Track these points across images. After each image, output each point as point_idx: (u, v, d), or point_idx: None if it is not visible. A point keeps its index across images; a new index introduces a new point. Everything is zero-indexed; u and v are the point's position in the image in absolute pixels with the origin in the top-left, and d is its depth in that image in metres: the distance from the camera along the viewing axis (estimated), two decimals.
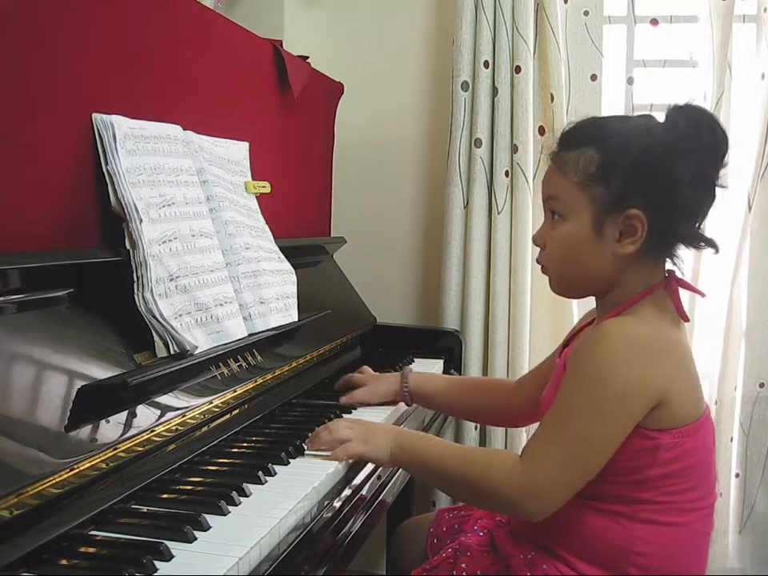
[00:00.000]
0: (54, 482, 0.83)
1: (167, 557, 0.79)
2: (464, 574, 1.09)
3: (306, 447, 1.14)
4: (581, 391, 0.98)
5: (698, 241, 1.04)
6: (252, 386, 1.29)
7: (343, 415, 1.33)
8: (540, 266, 1.12)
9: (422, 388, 1.43)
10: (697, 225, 1.04)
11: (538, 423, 1.05)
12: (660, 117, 1.04)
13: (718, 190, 1.02)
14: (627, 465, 0.99)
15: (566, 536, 1.05)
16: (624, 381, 0.95)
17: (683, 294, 1.05)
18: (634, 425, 0.97)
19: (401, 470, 1.28)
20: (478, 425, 2.05)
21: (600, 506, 1.02)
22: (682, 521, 1.02)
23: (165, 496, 0.96)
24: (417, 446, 1.11)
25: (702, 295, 1.15)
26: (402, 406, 1.45)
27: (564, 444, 0.97)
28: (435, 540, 1.29)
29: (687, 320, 1.05)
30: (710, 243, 1.04)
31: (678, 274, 1.06)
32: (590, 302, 1.16)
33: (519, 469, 0.99)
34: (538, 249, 1.11)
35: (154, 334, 1.09)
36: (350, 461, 1.12)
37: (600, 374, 0.96)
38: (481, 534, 1.18)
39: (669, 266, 1.07)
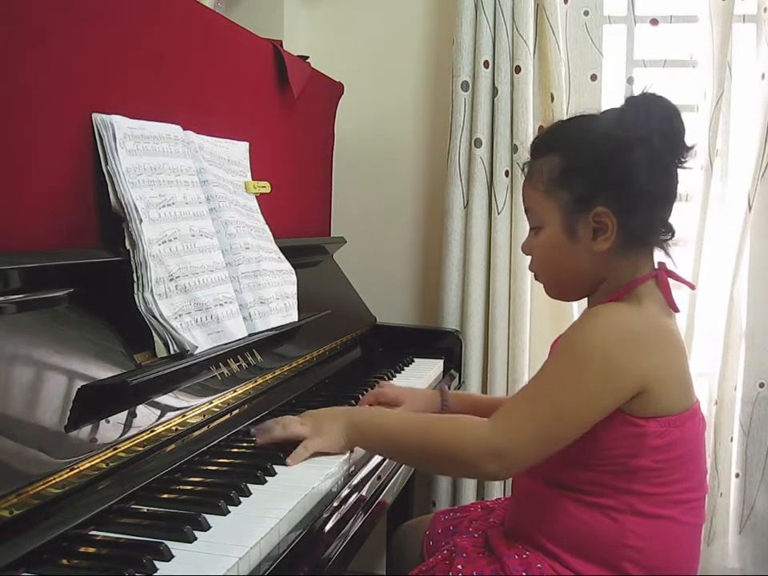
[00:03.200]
0: (53, 482, 0.83)
1: (167, 557, 0.79)
2: (460, 574, 1.09)
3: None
4: (563, 363, 1.00)
5: (665, 227, 1.05)
6: (252, 385, 1.29)
7: None
8: (534, 275, 1.14)
9: (463, 409, 1.33)
10: (666, 211, 1.05)
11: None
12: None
13: (682, 174, 1.03)
14: (615, 452, 1.00)
15: (559, 534, 1.05)
16: (608, 360, 0.96)
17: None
18: (614, 406, 0.97)
19: (400, 470, 1.28)
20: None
21: (591, 500, 1.02)
22: (673, 513, 1.02)
23: (165, 496, 0.96)
24: (373, 421, 1.11)
25: (692, 287, 1.15)
26: None
27: (537, 409, 0.98)
28: (431, 542, 1.29)
29: (677, 311, 1.06)
30: (669, 228, 1.05)
31: (671, 266, 1.07)
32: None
33: (487, 428, 1.00)
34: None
35: (154, 334, 1.09)
36: (350, 462, 1.12)
37: (584, 351, 0.98)
38: (476, 535, 1.18)
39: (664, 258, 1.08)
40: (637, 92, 1.04)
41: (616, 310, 1.02)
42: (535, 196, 1.07)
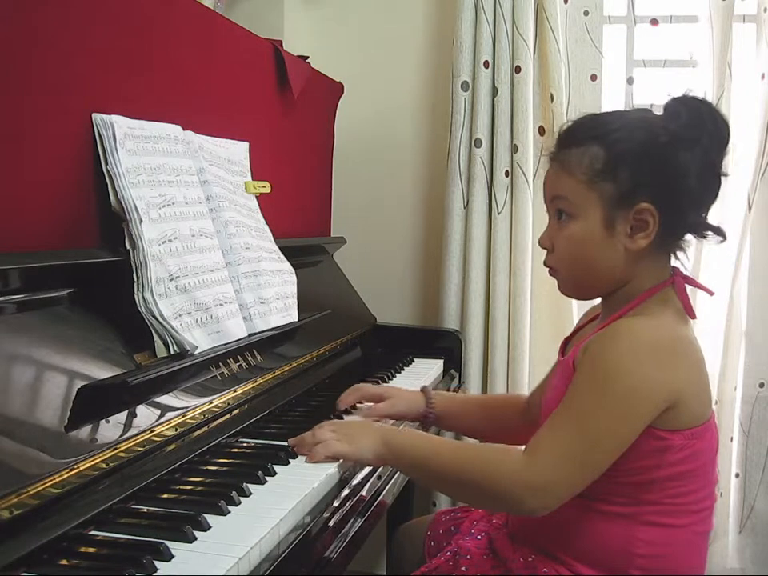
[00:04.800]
0: (53, 481, 0.83)
1: (167, 557, 0.79)
2: None
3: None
4: (592, 389, 0.96)
5: (706, 230, 1.03)
6: (252, 385, 1.29)
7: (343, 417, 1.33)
8: (548, 269, 1.09)
9: (448, 409, 1.35)
10: (704, 214, 1.03)
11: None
12: (657, 112, 1.04)
13: (722, 180, 1.02)
14: (636, 465, 0.98)
15: (566, 539, 1.04)
16: (637, 381, 0.94)
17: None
18: (645, 425, 0.95)
19: None
20: None
21: (604, 507, 1.01)
22: (685, 522, 1.01)
23: (165, 496, 0.96)
24: (406, 444, 1.08)
25: (711, 293, 1.11)
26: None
27: (572, 440, 0.95)
28: (432, 542, 1.28)
29: (694, 317, 1.04)
30: (718, 231, 1.03)
31: (683, 271, 1.06)
32: (589, 302, 1.16)
33: (523, 463, 0.97)
34: (544, 251, 1.09)
35: (154, 334, 1.09)
36: (349, 463, 1.11)
37: (613, 373, 0.95)
38: (479, 537, 1.17)
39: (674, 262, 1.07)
40: (680, 94, 1.02)
41: (639, 326, 0.99)
42: (573, 185, 1.02)
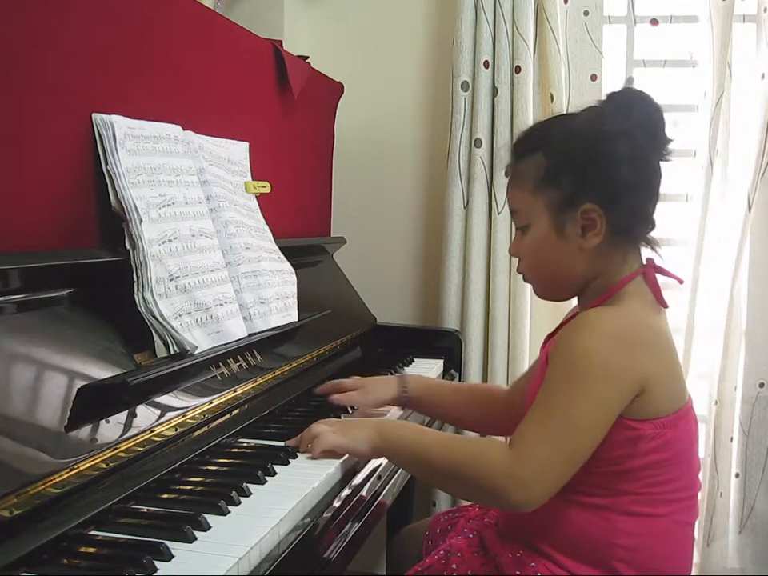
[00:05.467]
0: (53, 482, 0.83)
1: (167, 557, 0.79)
2: (454, 574, 1.09)
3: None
4: (562, 378, 0.99)
5: (652, 222, 1.05)
6: (252, 386, 1.29)
7: (341, 416, 1.33)
8: (521, 276, 1.14)
9: (423, 393, 1.38)
10: (652, 205, 1.05)
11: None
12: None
13: (665, 167, 1.04)
14: (609, 455, 0.99)
15: (550, 533, 1.05)
16: (606, 366, 0.96)
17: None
18: (618, 411, 0.97)
19: (400, 470, 1.28)
20: None
21: (582, 499, 1.02)
22: (664, 512, 1.02)
23: (165, 496, 0.96)
24: (399, 436, 1.09)
25: (680, 281, 1.13)
26: (397, 409, 1.43)
27: (553, 430, 0.97)
28: (430, 542, 1.29)
29: (666, 306, 1.06)
30: (651, 222, 1.06)
31: (658, 262, 1.07)
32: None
33: (509, 457, 0.98)
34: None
35: (154, 334, 1.09)
36: (350, 461, 1.12)
37: (580, 361, 0.97)
38: (471, 535, 1.18)
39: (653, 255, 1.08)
40: (616, 89, 1.05)
41: (605, 315, 1.01)
42: (522, 196, 1.07)
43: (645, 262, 1.07)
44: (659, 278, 1.06)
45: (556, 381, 1.00)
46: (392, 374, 1.69)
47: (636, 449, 0.99)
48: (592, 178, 1.02)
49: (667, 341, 1.04)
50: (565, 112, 1.15)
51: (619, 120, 1.00)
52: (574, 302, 1.14)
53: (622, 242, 1.05)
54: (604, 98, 1.05)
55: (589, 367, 0.96)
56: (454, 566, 1.10)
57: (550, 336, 1.19)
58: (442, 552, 1.15)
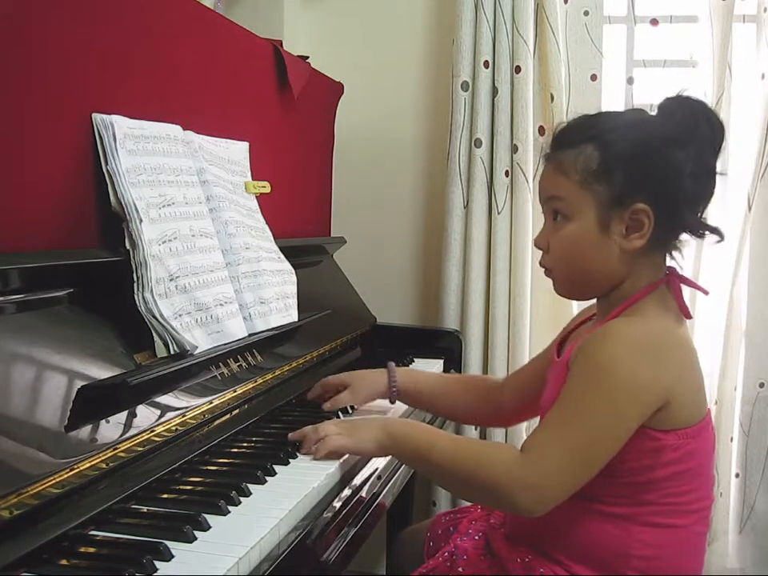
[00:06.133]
0: (53, 481, 0.83)
1: (167, 557, 0.79)
2: None
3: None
4: (585, 388, 0.97)
5: (702, 229, 1.03)
6: (252, 386, 1.29)
7: (341, 416, 1.33)
8: (543, 270, 1.10)
9: (411, 385, 1.36)
10: (699, 214, 1.03)
11: (539, 420, 1.04)
12: (653, 112, 1.04)
13: (717, 179, 1.02)
14: (632, 465, 0.98)
15: (563, 539, 1.04)
16: (631, 379, 0.94)
17: (683, 291, 1.05)
18: (638, 424, 0.96)
19: (400, 470, 1.28)
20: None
21: (602, 508, 1.01)
22: (684, 523, 1.01)
23: (165, 496, 0.96)
24: (407, 434, 1.08)
25: (705, 293, 1.13)
26: (401, 406, 1.42)
27: (568, 438, 0.95)
28: (431, 543, 1.28)
29: (690, 317, 1.05)
30: (715, 231, 1.03)
31: (679, 271, 1.06)
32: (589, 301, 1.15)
33: (519, 461, 0.97)
34: (540, 252, 1.10)
35: (154, 334, 1.09)
36: (349, 462, 1.12)
37: (607, 372, 0.95)
38: (476, 537, 1.17)
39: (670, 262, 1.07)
40: (675, 94, 1.02)
41: (632, 326, 0.99)
42: (568, 185, 1.02)
43: (668, 271, 1.05)
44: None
45: (577, 390, 0.98)
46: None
47: (659, 459, 0.98)
48: (650, 179, 0.99)
49: (690, 352, 1.03)
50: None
51: (688, 128, 0.98)
52: (582, 302, 1.13)
53: (658, 248, 1.03)
54: (666, 100, 1.02)
55: (613, 379, 0.95)
56: (460, 568, 1.10)
57: (563, 339, 1.18)
58: (446, 554, 1.14)
